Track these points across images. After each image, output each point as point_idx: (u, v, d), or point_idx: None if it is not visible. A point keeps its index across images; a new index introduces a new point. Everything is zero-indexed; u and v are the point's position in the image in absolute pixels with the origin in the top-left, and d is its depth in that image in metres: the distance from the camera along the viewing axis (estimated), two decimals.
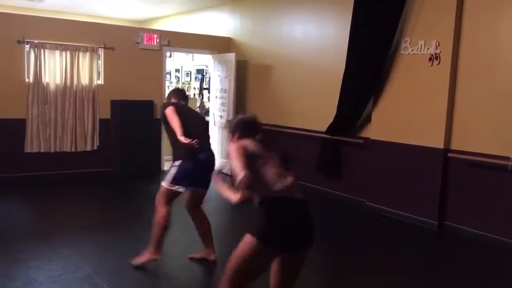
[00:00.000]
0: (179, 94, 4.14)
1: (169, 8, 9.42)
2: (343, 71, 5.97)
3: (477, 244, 4.74)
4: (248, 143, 2.48)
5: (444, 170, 5.14)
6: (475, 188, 4.93)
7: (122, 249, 4.25)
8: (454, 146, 5.12)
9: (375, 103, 5.85)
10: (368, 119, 6.00)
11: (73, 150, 7.20)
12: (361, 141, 6.05)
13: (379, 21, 5.54)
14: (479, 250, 4.63)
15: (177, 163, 3.77)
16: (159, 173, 7.90)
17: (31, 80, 6.80)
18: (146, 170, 7.57)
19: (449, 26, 5.02)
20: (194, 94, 9.47)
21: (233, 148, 2.41)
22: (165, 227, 3.74)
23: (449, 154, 5.09)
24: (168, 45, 7.98)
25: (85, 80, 7.20)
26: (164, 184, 3.79)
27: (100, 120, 7.38)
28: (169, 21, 10.23)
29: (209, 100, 8.78)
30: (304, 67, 6.94)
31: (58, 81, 7.00)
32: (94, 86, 7.28)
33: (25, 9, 9.05)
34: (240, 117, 2.76)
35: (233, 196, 2.28)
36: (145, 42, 7.71)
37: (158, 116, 7.95)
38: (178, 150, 3.75)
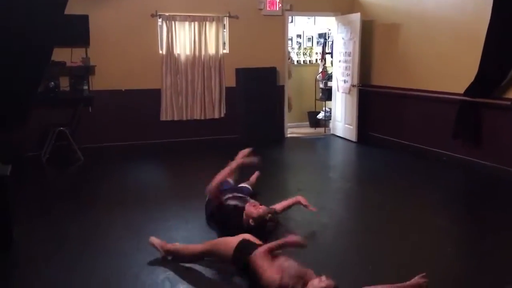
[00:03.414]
0: None
1: None
2: (485, 26, 5.32)
3: None
4: None
5: None
6: None
7: None
8: None
9: None
10: None
11: (202, 118, 7.56)
12: (508, 103, 5.37)
13: None
14: None
15: None
16: (283, 140, 7.96)
17: (164, 52, 7.23)
18: (270, 136, 7.67)
19: None
20: (316, 60, 9.25)
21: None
22: None
23: None
24: (290, 10, 7.86)
25: (212, 50, 7.44)
26: None
27: (226, 88, 7.61)
28: None
29: (332, 65, 8.52)
30: (437, 24, 6.31)
31: (188, 52, 7.34)
32: (220, 55, 7.49)
33: None
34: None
35: None
36: (267, 8, 7.68)
37: (281, 82, 8.00)
38: None
